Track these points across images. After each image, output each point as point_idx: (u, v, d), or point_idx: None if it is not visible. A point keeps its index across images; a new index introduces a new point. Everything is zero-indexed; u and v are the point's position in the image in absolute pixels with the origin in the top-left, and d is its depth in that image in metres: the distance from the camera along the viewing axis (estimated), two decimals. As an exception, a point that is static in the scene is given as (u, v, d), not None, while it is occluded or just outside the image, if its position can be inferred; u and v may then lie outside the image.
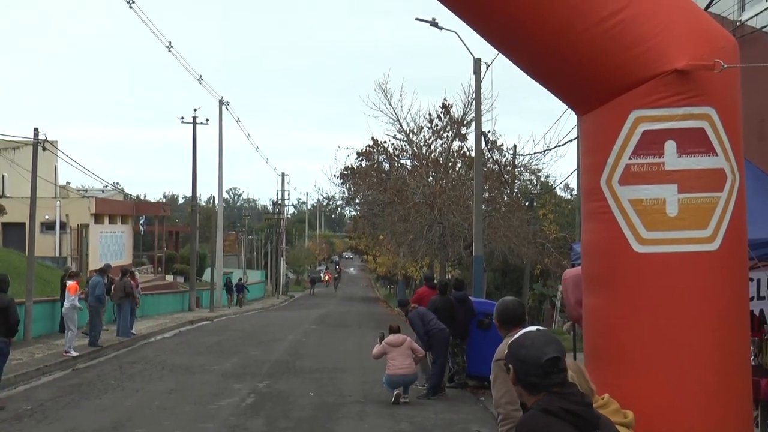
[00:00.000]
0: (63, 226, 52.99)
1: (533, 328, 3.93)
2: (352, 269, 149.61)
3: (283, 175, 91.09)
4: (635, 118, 5.25)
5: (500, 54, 5.77)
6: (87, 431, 13.33)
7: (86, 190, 65.34)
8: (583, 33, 5.19)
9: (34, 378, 19.51)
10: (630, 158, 5.28)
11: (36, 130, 26.98)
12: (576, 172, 29.18)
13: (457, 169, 39.59)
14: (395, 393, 16.04)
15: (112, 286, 27.11)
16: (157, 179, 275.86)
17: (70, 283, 23.59)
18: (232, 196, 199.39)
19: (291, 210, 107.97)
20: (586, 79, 5.35)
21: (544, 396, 3.67)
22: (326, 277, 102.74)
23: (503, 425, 5.74)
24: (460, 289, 18.64)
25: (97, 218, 57.11)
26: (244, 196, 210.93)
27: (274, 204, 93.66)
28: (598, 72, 5.29)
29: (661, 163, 5.23)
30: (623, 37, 5.19)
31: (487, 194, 34.95)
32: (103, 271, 26.06)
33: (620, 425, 4.34)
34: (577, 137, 24.79)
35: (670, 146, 5.23)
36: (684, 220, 5.20)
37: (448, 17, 28.22)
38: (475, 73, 27.92)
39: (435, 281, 19.55)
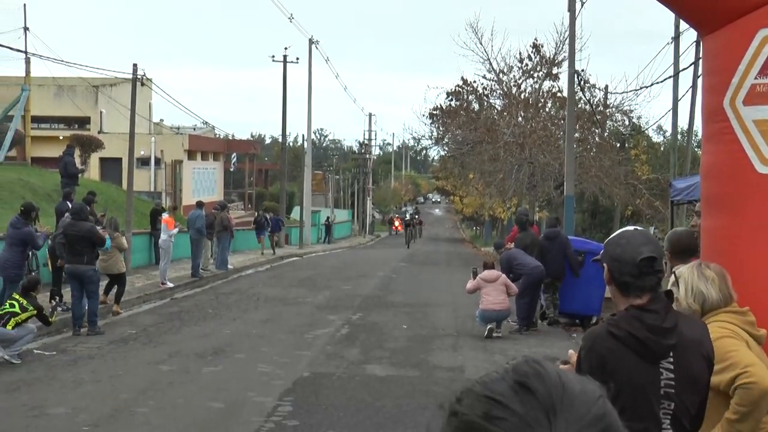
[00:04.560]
0: (157, 161, 54.04)
1: (630, 227, 3.77)
2: (437, 210, 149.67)
3: (370, 115, 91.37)
4: (763, 36, 5.14)
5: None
6: (190, 354, 13.74)
7: (178, 128, 66.29)
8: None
9: (135, 305, 20.15)
10: (756, 78, 5.17)
11: (135, 66, 27.44)
12: (671, 111, 28.62)
13: (547, 109, 39.10)
14: (488, 327, 16.13)
15: (215, 220, 27.62)
16: (245, 120, 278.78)
17: (165, 217, 24.12)
18: (319, 137, 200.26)
19: (377, 151, 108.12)
20: (714, -3, 5.25)
21: (620, 313, 3.53)
22: (396, 223, 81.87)
23: None
24: (554, 227, 18.55)
25: (190, 155, 58.08)
26: (331, 137, 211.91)
27: (361, 144, 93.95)
28: (725, -10, 5.19)
29: (788, 84, 5.13)
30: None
31: (578, 134, 34.50)
32: (201, 204, 26.56)
33: (752, 336, 4.32)
34: (674, 74, 24.12)
35: (797, 66, 5.11)
36: (809, 141, 5.10)
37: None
38: (569, 10, 27.43)
39: (528, 218, 19.41)
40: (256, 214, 42.14)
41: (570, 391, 1.22)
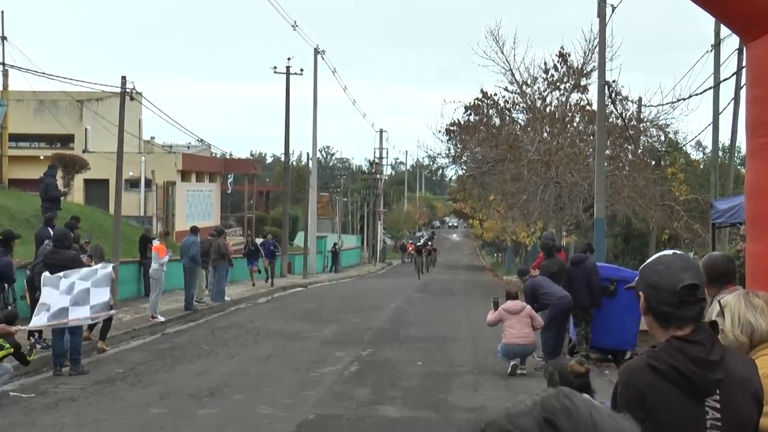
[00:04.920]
0: (148, 183, 54.21)
1: (668, 251, 3.68)
2: (454, 235, 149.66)
3: (381, 131, 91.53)
4: (812, 42, 5.14)
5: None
6: (183, 395, 13.71)
7: (171, 147, 66.56)
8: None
9: (123, 342, 20.11)
10: (805, 88, 5.17)
11: (123, 78, 27.56)
12: (711, 126, 28.58)
13: (575, 124, 39.16)
14: (512, 364, 16.08)
15: (211, 247, 27.65)
16: (244, 136, 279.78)
17: (156, 244, 24.14)
18: (325, 155, 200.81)
19: (388, 170, 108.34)
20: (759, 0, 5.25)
21: (661, 345, 3.46)
22: (408, 248, 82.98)
23: None
24: (582, 251, 18.56)
25: (184, 175, 58.25)
26: (338, 155, 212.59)
27: (371, 163, 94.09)
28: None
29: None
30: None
31: (609, 151, 34.52)
32: (196, 230, 26.60)
33: None
34: (714, 85, 24.10)
35: None
36: None
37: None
38: (599, 15, 27.52)
39: (554, 243, 19.40)
40: (245, 240, 41.73)
41: (601, 430, 1.20)
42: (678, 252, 3.69)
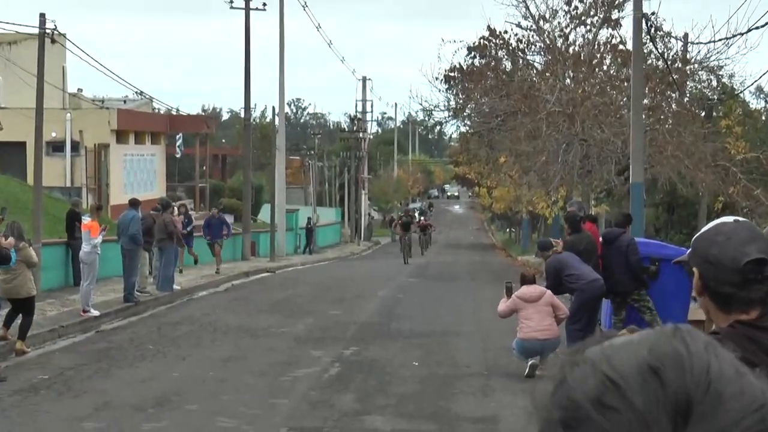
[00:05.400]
0: (75, 146, 53.99)
1: (729, 218, 3.61)
2: (457, 207, 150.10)
3: (364, 79, 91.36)
4: None
5: None
6: (124, 407, 13.74)
7: (102, 101, 66.31)
8: None
9: (47, 341, 20.15)
10: None
11: (43, 16, 27.45)
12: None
13: (605, 67, 39.14)
14: (530, 363, 16.11)
15: (155, 224, 27.61)
16: (194, 88, 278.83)
17: (87, 221, 24.05)
18: (295, 110, 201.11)
19: (374, 128, 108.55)
20: None
21: (725, 331, 3.37)
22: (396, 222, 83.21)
23: None
24: (618, 225, 18.53)
25: (120, 136, 58.05)
26: (311, 110, 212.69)
27: (352, 119, 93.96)
28: None
29: None
30: None
31: (647, 101, 34.52)
32: (136, 204, 26.52)
33: None
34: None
35: None
36: None
37: None
38: (634, -70, 27.48)
39: (582, 215, 19.39)
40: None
41: (717, 391, 1.18)
42: (740, 219, 3.61)
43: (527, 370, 16.07)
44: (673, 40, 37.41)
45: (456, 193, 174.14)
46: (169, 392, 14.77)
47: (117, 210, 40.89)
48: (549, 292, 16.45)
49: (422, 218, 72.07)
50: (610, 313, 18.16)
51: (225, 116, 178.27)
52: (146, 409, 13.59)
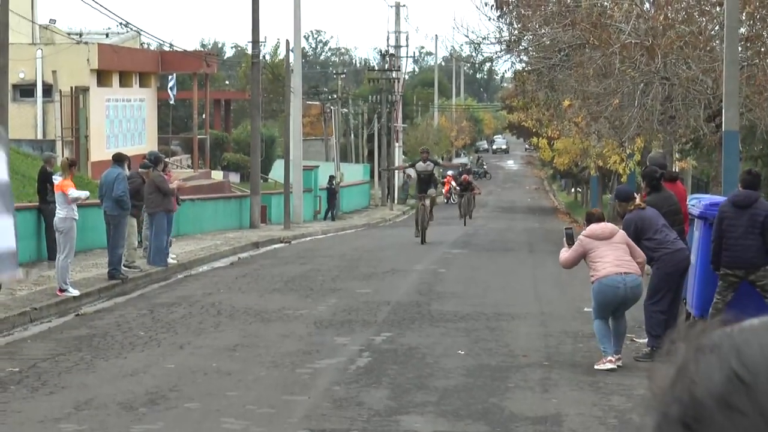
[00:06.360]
0: (48, 90, 54.08)
1: None
2: (510, 162, 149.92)
3: (397, 5, 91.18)
4: None
5: None
6: (110, 405, 13.79)
7: (80, 35, 66.34)
8: None
9: (18, 327, 20.24)
10: None
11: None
12: None
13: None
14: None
15: (144, 184, 27.66)
16: (190, 19, 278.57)
17: (59, 180, 24.06)
18: (314, 45, 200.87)
19: (410, 66, 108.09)
20: None
21: None
22: (446, 187, 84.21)
23: None
24: (751, 187, 18.05)
25: (102, 77, 58.11)
26: (333, 44, 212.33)
27: (383, 55, 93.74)
28: None
29: None
30: None
31: (744, 29, 34.27)
32: (122, 159, 26.51)
33: None
34: None
35: None
36: None
37: None
38: None
39: (663, 171, 19.28)
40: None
41: None
42: None
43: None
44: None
45: (504, 146, 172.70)
46: (164, 388, 14.82)
47: (99, 168, 41.02)
48: (623, 231, 16.35)
49: (471, 176, 71.51)
50: (699, 292, 18.09)
51: (229, 53, 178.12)
52: (136, 407, 13.64)
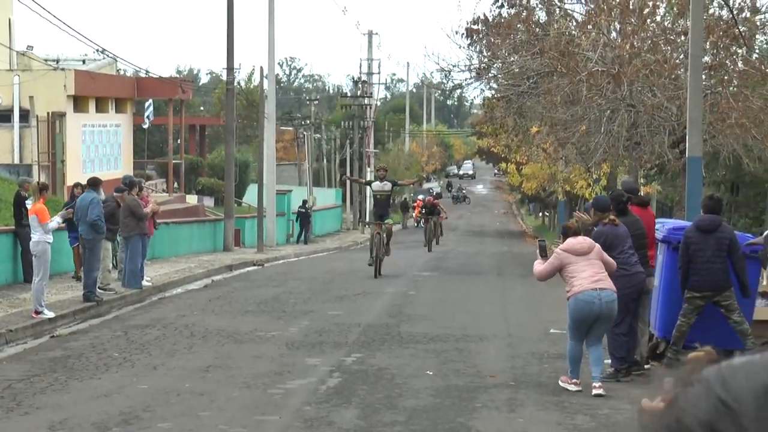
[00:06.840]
0: (25, 115, 53.99)
1: None
2: (480, 187, 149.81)
3: (370, 34, 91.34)
4: None
5: None
6: (84, 425, 13.83)
7: (57, 61, 66.21)
8: None
9: (-8, 348, 20.31)
10: None
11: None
12: None
13: (658, 17, 39.10)
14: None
15: (119, 208, 27.69)
16: (166, 46, 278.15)
17: (33, 204, 24.10)
18: (289, 71, 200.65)
19: (382, 93, 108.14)
20: None
21: None
22: (416, 211, 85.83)
23: None
24: (713, 212, 18.27)
25: (78, 103, 57.97)
26: (307, 71, 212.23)
27: (356, 82, 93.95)
28: None
29: None
30: None
31: (708, 58, 34.55)
32: (96, 183, 26.52)
33: None
34: None
35: None
36: None
37: None
38: None
39: (629, 196, 19.41)
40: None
41: None
42: None
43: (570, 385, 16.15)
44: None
45: (471, 171, 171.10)
46: (138, 408, 14.86)
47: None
48: (598, 245, 16.31)
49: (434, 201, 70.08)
50: (663, 314, 18.29)
51: (204, 79, 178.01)
52: (110, 427, 13.70)
